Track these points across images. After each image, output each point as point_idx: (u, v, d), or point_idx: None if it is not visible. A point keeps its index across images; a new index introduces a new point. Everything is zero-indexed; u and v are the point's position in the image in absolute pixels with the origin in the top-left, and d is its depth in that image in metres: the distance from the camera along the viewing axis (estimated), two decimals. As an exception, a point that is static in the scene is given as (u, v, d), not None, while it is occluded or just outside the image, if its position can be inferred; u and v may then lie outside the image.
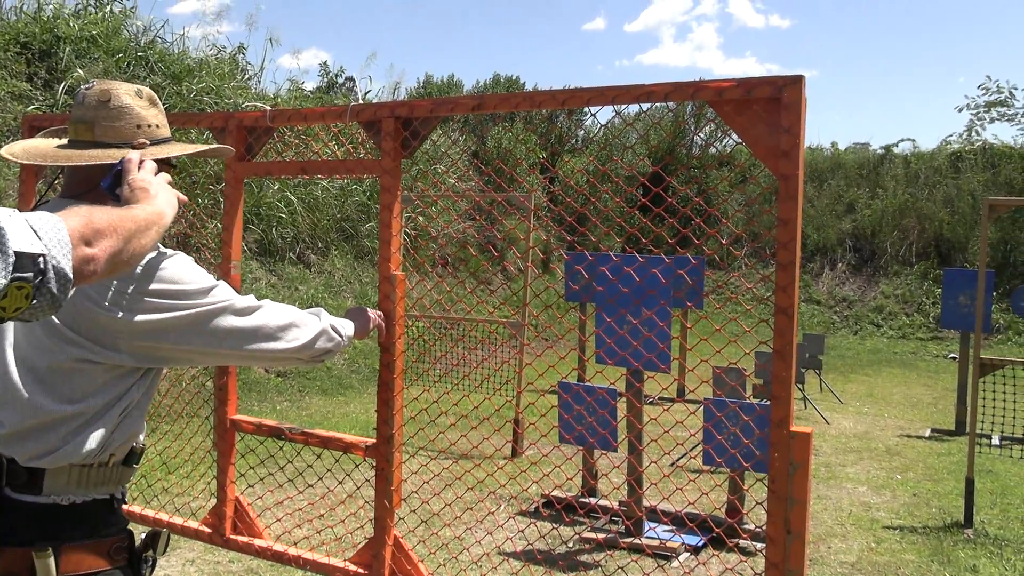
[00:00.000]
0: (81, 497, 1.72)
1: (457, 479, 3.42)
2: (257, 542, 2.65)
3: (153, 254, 1.75)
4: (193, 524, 2.78)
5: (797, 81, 1.85)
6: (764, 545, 4.90)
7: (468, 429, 3.34)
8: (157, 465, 4.75)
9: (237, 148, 2.71)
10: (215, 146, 2.16)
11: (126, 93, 1.86)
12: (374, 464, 2.43)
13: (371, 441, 2.46)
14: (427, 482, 3.64)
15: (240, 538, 2.68)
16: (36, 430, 1.67)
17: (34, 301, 1.25)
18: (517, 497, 5.82)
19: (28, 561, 1.64)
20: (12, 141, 7.53)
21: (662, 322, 4.82)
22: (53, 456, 1.67)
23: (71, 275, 1.28)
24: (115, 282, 1.69)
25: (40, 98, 9.80)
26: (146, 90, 1.93)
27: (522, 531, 4.53)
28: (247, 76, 14.77)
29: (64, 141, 1.91)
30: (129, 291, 1.70)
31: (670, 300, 4.85)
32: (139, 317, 1.70)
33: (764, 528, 5.07)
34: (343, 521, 3.33)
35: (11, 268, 1.20)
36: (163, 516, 2.84)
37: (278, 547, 2.61)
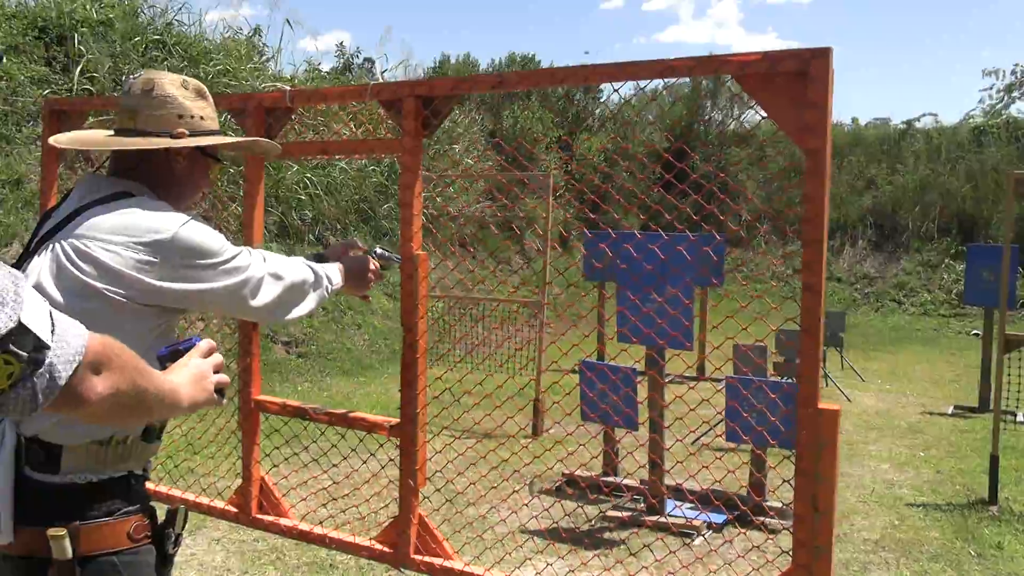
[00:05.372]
0: (98, 475, 1.72)
1: (482, 458, 3.43)
2: (283, 521, 2.67)
3: (184, 219, 1.77)
4: (219, 504, 2.81)
5: (824, 54, 1.82)
6: (789, 522, 4.88)
7: (491, 408, 3.35)
8: (183, 446, 4.79)
9: (257, 130, 2.70)
10: (255, 139, 2.18)
11: (170, 83, 1.92)
12: (398, 444, 2.43)
13: (395, 421, 2.47)
14: (451, 462, 3.65)
15: (266, 517, 2.70)
16: None
17: (13, 391, 1.13)
18: (540, 476, 5.83)
19: (47, 541, 1.64)
20: (33, 125, 7.50)
21: (687, 300, 4.79)
22: (73, 429, 1.67)
23: (61, 385, 1.17)
24: (151, 248, 1.71)
25: (59, 82, 9.83)
26: (193, 81, 1.97)
27: (547, 509, 4.55)
28: (264, 58, 14.77)
29: (111, 131, 1.97)
30: (166, 258, 1.73)
31: (695, 278, 4.82)
32: (177, 284, 1.75)
33: (790, 506, 5.05)
34: (367, 500, 3.35)
35: (8, 334, 1.10)
36: (189, 496, 2.87)
37: (304, 526, 2.63)
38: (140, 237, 1.71)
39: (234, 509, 2.76)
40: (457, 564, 2.36)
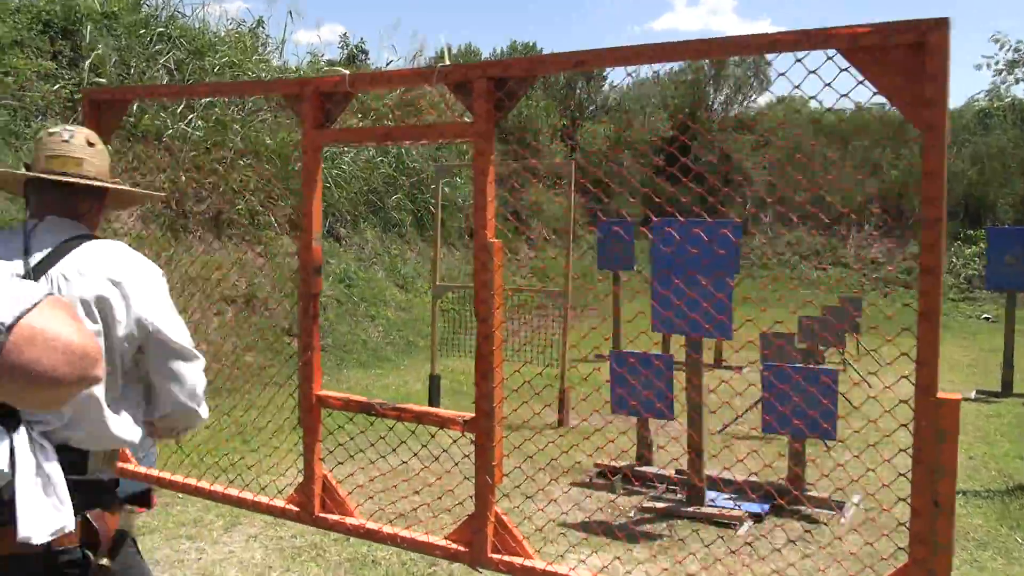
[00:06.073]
0: (108, 475, 2.07)
1: (516, 448, 3.34)
2: (349, 520, 2.58)
3: (154, 270, 2.12)
4: (279, 503, 2.71)
5: (942, 25, 1.74)
6: (832, 514, 4.80)
7: (514, 401, 3.26)
8: (239, 444, 4.69)
9: (314, 116, 2.61)
10: (148, 192, 2.57)
11: (99, 139, 2.25)
12: (473, 439, 2.35)
13: (469, 416, 2.38)
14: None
15: (330, 516, 2.60)
16: (92, 420, 1.97)
17: None
18: (571, 468, 5.76)
19: (83, 528, 1.96)
20: (42, 120, 7.37)
21: (726, 286, 4.71)
22: (97, 438, 2.00)
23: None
24: (152, 290, 2.07)
25: (66, 77, 9.70)
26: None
27: (614, 503, 4.48)
28: (269, 50, 14.63)
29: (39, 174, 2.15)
30: (148, 287, 2.07)
31: (736, 263, 4.75)
32: (148, 312, 2.06)
33: (830, 497, 4.96)
34: (440, 498, 3.27)
35: None
36: (247, 495, 2.78)
37: (371, 525, 2.54)
38: (130, 271, 2.05)
39: (295, 508, 2.66)
40: (539, 564, 2.28)
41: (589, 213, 17.33)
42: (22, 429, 1.84)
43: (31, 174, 2.11)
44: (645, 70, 2.31)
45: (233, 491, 2.83)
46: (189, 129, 10.27)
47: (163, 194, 3.03)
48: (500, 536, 2.35)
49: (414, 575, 3.97)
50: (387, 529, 2.52)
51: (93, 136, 2.21)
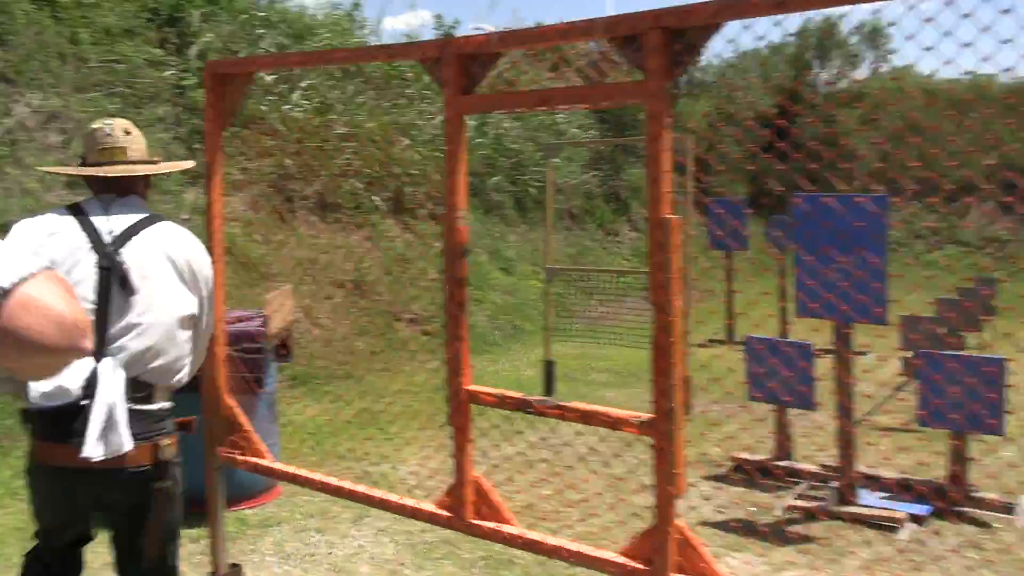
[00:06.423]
0: (168, 404, 2.44)
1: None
2: (506, 528, 2.34)
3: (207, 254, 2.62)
4: (428, 507, 2.49)
5: None
6: (1000, 515, 4.33)
7: (625, 386, 2.95)
8: (383, 441, 4.47)
9: (457, 80, 2.36)
10: (179, 163, 3.10)
11: (133, 126, 2.62)
12: (652, 444, 2.07)
13: (646, 416, 2.10)
14: (593, 448, 3.28)
15: (485, 524, 2.37)
16: (162, 358, 2.37)
17: None
18: (702, 461, 5.42)
19: (152, 451, 2.34)
20: (151, 106, 7.37)
21: (878, 268, 4.32)
22: (161, 372, 2.38)
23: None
24: (209, 265, 2.58)
25: (173, 63, 9.76)
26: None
27: (740, 499, 4.15)
28: (365, 33, 14.55)
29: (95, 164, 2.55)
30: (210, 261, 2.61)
31: (886, 238, 4.35)
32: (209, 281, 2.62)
33: (997, 498, 4.48)
34: (613, 507, 3.01)
35: None
36: (393, 498, 2.57)
37: (533, 535, 2.29)
38: (195, 248, 2.56)
39: (446, 513, 2.44)
40: (732, 586, 1.99)
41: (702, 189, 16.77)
42: (107, 359, 2.26)
43: (92, 172, 2.50)
44: (764, 23, 1.96)
45: (377, 493, 2.62)
46: (292, 113, 10.25)
47: (192, 163, 3.35)
48: (685, 552, 2.07)
49: (552, 576, 3.73)
50: (551, 541, 2.26)
51: (128, 125, 2.60)
